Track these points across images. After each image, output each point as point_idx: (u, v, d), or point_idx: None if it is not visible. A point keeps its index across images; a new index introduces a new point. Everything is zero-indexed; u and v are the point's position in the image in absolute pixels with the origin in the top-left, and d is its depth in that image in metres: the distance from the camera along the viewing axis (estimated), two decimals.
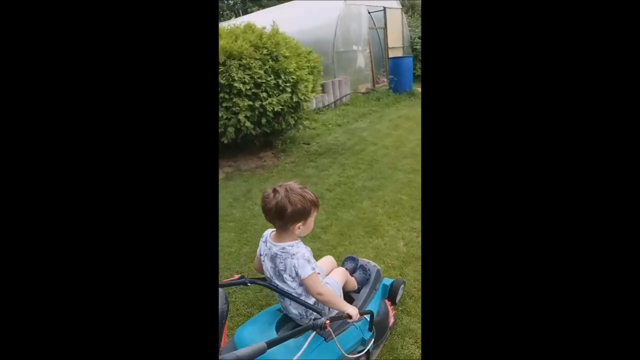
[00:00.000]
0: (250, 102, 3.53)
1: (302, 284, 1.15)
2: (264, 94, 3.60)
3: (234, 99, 3.46)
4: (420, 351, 1.54)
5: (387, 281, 1.68)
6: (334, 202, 3.10)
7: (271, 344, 0.83)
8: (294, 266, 1.13)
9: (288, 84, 3.75)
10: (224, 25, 3.98)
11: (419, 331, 1.64)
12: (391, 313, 1.61)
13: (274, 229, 1.22)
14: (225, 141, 3.68)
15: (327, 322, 1.01)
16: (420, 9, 11.02)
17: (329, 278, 1.40)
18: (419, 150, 4.38)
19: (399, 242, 2.45)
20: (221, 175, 3.86)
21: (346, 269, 1.58)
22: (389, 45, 8.99)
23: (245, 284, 1.21)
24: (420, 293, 1.86)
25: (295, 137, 4.97)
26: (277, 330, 1.24)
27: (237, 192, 3.45)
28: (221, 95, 3.41)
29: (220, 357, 0.74)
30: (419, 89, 7.94)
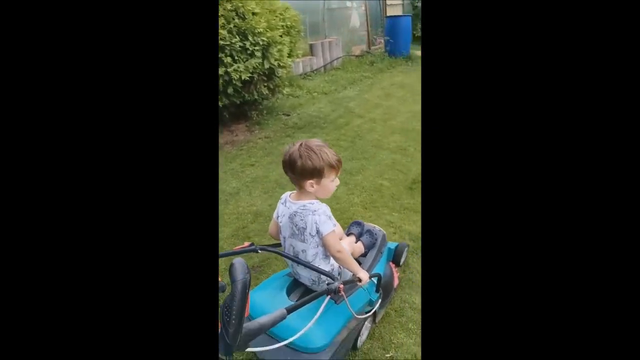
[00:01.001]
0: None
1: (323, 240, 1.16)
2: (229, 59, 3.09)
3: None
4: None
5: (392, 244, 1.73)
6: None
7: (291, 310, 0.83)
8: (316, 222, 1.13)
9: (257, 48, 3.21)
10: None
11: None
12: (395, 275, 1.68)
13: (293, 191, 1.23)
14: None
15: (341, 286, 1.03)
16: None
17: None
18: (409, 124, 3.93)
19: None
20: None
21: (352, 233, 1.62)
22: (387, 2, 8.17)
23: (255, 251, 1.20)
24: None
25: (274, 107, 4.48)
26: (288, 294, 1.28)
27: None
28: None
29: (244, 325, 0.73)
30: (419, 53, 7.27)
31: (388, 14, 7.91)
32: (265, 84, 3.64)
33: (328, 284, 1.07)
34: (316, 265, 1.19)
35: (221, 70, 3.07)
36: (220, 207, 2.50)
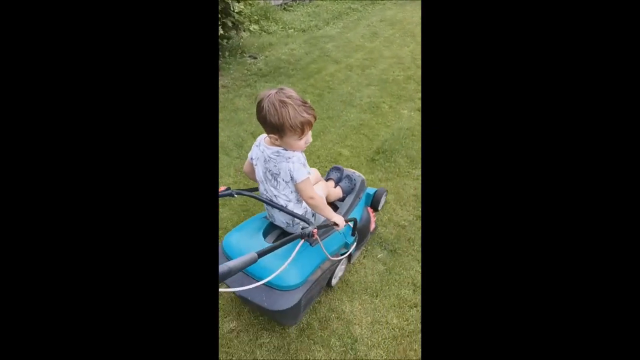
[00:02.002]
0: None
1: (296, 187, 1.17)
2: None
3: None
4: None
5: (371, 190, 1.78)
6: None
7: (261, 254, 0.85)
8: (290, 170, 1.13)
9: None
10: None
11: None
12: (372, 219, 1.71)
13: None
14: None
15: (315, 230, 1.05)
16: None
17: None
18: (389, 73, 3.44)
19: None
20: None
21: (331, 178, 1.66)
22: None
23: (231, 195, 1.21)
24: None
25: (239, 47, 3.92)
26: (265, 236, 1.31)
27: None
28: None
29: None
30: None
31: None
32: (221, 21, 3.07)
33: (302, 228, 1.06)
34: (289, 209, 1.22)
35: None
36: None
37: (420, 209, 1.90)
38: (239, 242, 1.29)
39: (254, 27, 3.75)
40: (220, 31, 3.11)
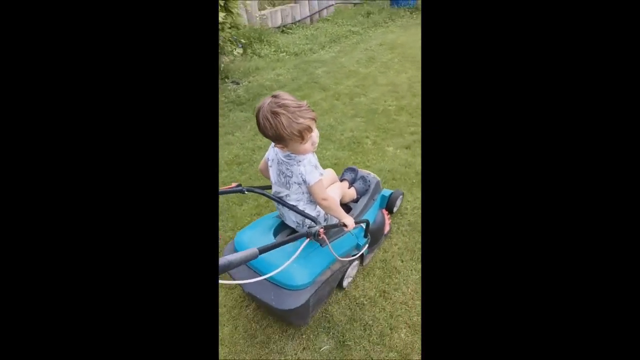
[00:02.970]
0: None
1: (309, 189, 1.17)
2: None
3: None
4: None
5: (387, 192, 1.77)
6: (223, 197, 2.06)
7: (263, 250, 0.85)
8: (301, 173, 1.14)
9: None
10: None
11: None
12: (387, 222, 1.70)
13: None
14: None
15: (321, 230, 1.04)
16: None
17: (329, 190, 1.42)
18: (380, 104, 3.08)
19: None
20: None
21: (345, 179, 1.67)
22: None
23: (242, 191, 1.22)
24: None
25: (226, 72, 3.67)
26: (275, 235, 1.34)
27: None
28: None
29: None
30: None
31: None
32: None
33: (309, 227, 1.06)
34: (300, 208, 1.23)
35: None
36: None
37: (388, 283, 1.51)
38: (250, 239, 1.30)
39: (237, 51, 3.52)
40: None
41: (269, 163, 1.23)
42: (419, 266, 1.57)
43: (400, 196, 1.85)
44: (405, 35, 5.00)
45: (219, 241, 1.74)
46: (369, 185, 1.63)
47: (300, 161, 1.13)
